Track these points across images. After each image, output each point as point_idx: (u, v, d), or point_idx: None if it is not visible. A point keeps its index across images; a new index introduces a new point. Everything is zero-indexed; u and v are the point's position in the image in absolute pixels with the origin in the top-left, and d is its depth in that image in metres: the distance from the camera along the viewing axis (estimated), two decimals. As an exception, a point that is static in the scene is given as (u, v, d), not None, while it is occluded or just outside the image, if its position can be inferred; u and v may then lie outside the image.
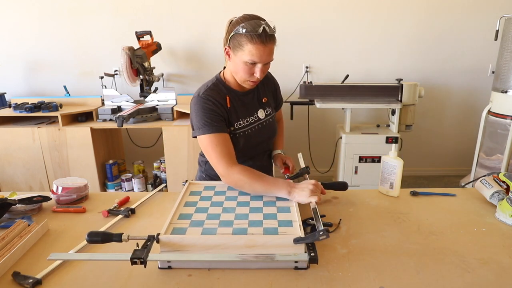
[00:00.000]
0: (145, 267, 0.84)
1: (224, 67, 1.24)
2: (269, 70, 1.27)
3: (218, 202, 1.12)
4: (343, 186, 1.30)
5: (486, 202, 1.25)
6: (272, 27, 1.10)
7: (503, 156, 2.57)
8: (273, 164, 1.46)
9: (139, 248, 0.86)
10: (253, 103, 1.28)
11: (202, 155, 1.36)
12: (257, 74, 1.13)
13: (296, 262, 0.88)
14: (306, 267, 0.88)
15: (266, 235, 0.92)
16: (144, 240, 0.89)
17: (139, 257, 0.83)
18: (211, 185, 1.26)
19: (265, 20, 1.10)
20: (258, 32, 1.06)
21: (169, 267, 0.90)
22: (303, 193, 1.07)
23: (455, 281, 0.84)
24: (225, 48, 1.15)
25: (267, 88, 1.33)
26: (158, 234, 0.88)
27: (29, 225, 1.06)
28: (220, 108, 1.17)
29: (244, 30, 1.07)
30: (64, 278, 0.87)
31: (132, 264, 0.83)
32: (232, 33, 1.10)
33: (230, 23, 1.13)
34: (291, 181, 1.15)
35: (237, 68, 1.13)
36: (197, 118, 1.16)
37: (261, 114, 1.29)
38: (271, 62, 1.18)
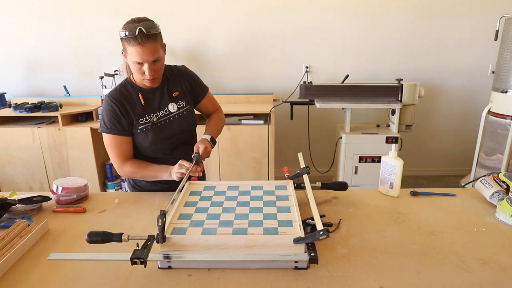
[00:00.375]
0: (145, 267, 0.85)
1: None
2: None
3: (218, 202, 1.12)
4: (343, 186, 1.31)
5: (486, 202, 1.25)
6: (149, 27, 1.14)
7: (503, 156, 2.57)
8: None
9: (139, 248, 0.86)
10: (163, 98, 1.34)
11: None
12: (146, 73, 1.20)
13: (296, 262, 0.88)
14: (306, 267, 0.88)
15: (266, 235, 0.92)
16: (144, 240, 0.89)
17: (139, 257, 0.83)
18: (211, 185, 1.26)
19: (145, 21, 1.16)
20: (134, 34, 1.12)
21: (169, 267, 0.90)
22: (173, 170, 1.23)
23: (455, 281, 0.84)
24: (122, 52, 1.22)
25: (179, 82, 1.38)
26: (158, 234, 0.88)
27: (29, 225, 1.06)
28: (122, 109, 1.27)
29: (123, 34, 1.14)
30: (64, 278, 0.87)
31: (132, 264, 0.83)
32: (120, 37, 1.17)
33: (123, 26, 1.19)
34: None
35: (132, 69, 1.22)
36: (102, 117, 1.30)
37: (172, 107, 1.35)
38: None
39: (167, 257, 0.88)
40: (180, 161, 1.25)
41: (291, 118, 3.00)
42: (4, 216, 1.16)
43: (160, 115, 1.33)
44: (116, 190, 2.88)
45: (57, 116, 2.65)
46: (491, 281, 0.84)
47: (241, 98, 3.06)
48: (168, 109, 1.34)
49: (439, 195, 1.33)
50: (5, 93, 2.98)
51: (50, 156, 2.72)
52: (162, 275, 0.88)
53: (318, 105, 2.80)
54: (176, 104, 1.36)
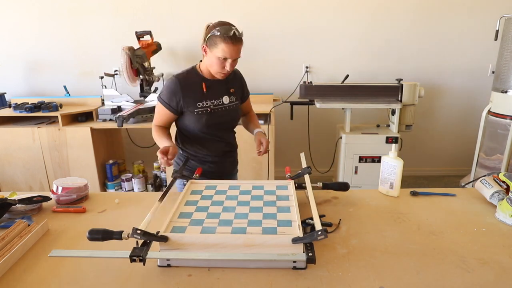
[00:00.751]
0: (144, 264, 0.85)
1: (201, 61, 1.52)
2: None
3: (218, 201, 1.12)
4: (344, 187, 1.31)
5: (486, 202, 1.25)
6: (240, 32, 1.39)
7: (503, 156, 2.57)
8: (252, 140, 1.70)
9: (139, 246, 0.86)
10: (221, 90, 1.55)
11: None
12: (227, 67, 1.42)
13: (294, 262, 0.88)
14: (304, 267, 0.88)
15: (265, 235, 0.92)
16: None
17: (138, 255, 0.83)
18: (212, 184, 1.27)
19: (235, 26, 1.39)
20: (229, 34, 1.34)
21: (168, 265, 0.90)
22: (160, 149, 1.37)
23: (455, 281, 0.84)
24: (203, 46, 1.42)
25: (235, 82, 1.61)
26: (158, 232, 0.88)
27: (29, 225, 1.06)
28: (181, 90, 1.47)
29: (218, 33, 1.34)
30: (64, 278, 0.87)
31: (131, 262, 0.84)
32: (209, 34, 1.37)
33: (208, 27, 1.39)
34: None
35: (212, 62, 1.42)
36: (163, 89, 1.50)
37: (225, 99, 1.55)
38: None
39: (166, 255, 0.88)
40: (163, 152, 1.36)
41: (291, 118, 3.00)
42: (4, 216, 1.16)
43: (216, 103, 1.52)
44: (116, 190, 2.88)
45: (57, 116, 2.65)
46: (491, 281, 0.84)
47: (241, 98, 3.06)
48: (222, 100, 1.54)
49: (439, 195, 1.34)
50: (5, 93, 2.97)
51: (50, 156, 2.72)
52: (162, 275, 0.88)
53: (318, 105, 2.80)
54: (229, 98, 1.57)
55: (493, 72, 3.15)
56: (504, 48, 2.49)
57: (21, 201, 1.19)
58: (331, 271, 0.88)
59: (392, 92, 2.88)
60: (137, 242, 0.87)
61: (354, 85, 2.92)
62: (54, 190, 1.30)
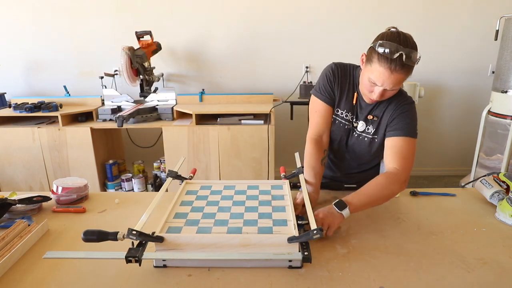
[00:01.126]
0: (140, 265, 0.85)
1: None
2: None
3: (214, 202, 1.12)
4: (338, 186, 1.31)
5: (486, 202, 1.25)
6: (409, 57, 1.01)
7: (503, 156, 2.57)
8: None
9: (135, 246, 0.86)
10: (362, 112, 1.23)
11: None
12: (375, 95, 1.10)
13: (290, 261, 0.88)
14: (300, 266, 0.88)
15: (260, 234, 0.92)
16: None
17: (133, 256, 0.83)
18: (207, 184, 1.27)
19: (409, 48, 1.01)
20: (391, 56, 1.00)
21: (165, 266, 0.90)
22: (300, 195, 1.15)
23: (455, 281, 0.84)
24: (363, 54, 1.14)
25: (386, 109, 1.20)
26: (153, 233, 0.88)
27: (29, 225, 1.06)
28: (334, 81, 1.23)
29: (380, 49, 1.02)
30: (64, 279, 0.87)
31: (127, 263, 0.83)
32: (372, 44, 1.07)
33: (382, 33, 1.08)
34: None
35: (362, 79, 1.13)
36: (319, 78, 1.27)
37: (361, 126, 1.24)
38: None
39: (162, 255, 0.88)
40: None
41: (291, 118, 2.99)
42: (4, 216, 1.16)
43: (349, 121, 1.25)
44: (116, 190, 2.88)
45: (57, 116, 2.65)
46: (491, 281, 0.84)
47: (241, 98, 3.06)
48: (357, 123, 1.24)
49: (439, 195, 1.33)
50: (5, 93, 2.97)
51: (50, 156, 2.71)
52: (162, 275, 0.88)
53: (318, 105, 2.79)
54: (366, 126, 1.23)
55: (493, 72, 3.15)
56: (504, 48, 2.49)
57: (21, 201, 1.19)
58: (331, 271, 0.88)
59: (392, 92, 2.88)
60: (132, 242, 0.87)
61: (354, 85, 2.92)
62: (54, 190, 1.30)
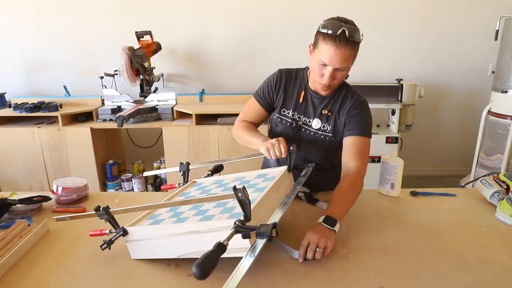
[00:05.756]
0: (109, 249, 0.92)
1: None
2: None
3: (188, 196, 1.13)
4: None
5: (486, 202, 1.25)
6: (353, 32, 1.04)
7: (503, 156, 2.57)
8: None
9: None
10: (316, 109, 1.25)
11: None
12: (325, 78, 1.11)
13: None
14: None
15: (204, 221, 0.87)
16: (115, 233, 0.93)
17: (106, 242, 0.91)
18: (204, 185, 1.25)
19: (351, 25, 1.07)
20: (335, 33, 1.03)
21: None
22: (262, 146, 1.15)
23: (455, 281, 0.84)
24: (310, 45, 1.16)
25: (340, 106, 1.23)
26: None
27: (29, 225, 1.06)
28: (278, 87, 1.30)
29: (323, 30, 1.06)
30: (64, 278, 0.87)
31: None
32: (317, 30, 1.10)
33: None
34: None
35: (312, 65, 1.15)
36: (261, 84, 1.36)
37: (316, 123, 1.25)
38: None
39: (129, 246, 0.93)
40: (279, 138, 1.13)
41: (291, 118, 2.99)
42: (4, 216, 1.16)
43: (302, 122, 1.27)
44: (116, 190, 2.88)
45: (57, 116, 2.65)
46: (491, 281, 0.84)
47: (241, 98, 3.06)
48: (311, 121, 1.26)
49: (439, 195, 1.34)
50: (5, 93, 2.97)
51: (50, 156, 2.71)
52: (162, 275, 0.88)
53: (318, 105, 2.79)
54: (321, 123, 1.25)
55: (493, 72, 3.14)
56: (504, 48, 2.49)
57: (21, 201, 1.19)
58: (331, 271, 0.88)
59: (392, 92, 2.88)
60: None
61: (354, 85, 2.92)
62: (54, 190, 1.30)
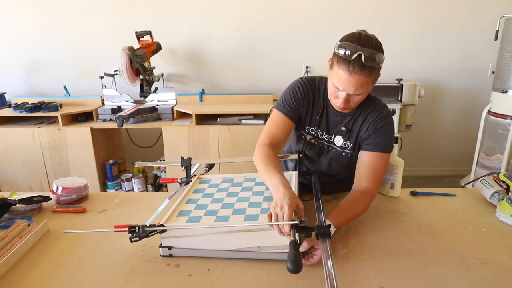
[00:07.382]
0: (139, 239, 0.91)
1: None
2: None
3: (210, 194, 1.14)
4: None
5: (486, 202, 1.25)
6: (370, 57, 0.95)
7: (503, 156, 2.57)
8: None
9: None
10: (337, 126, 1.18)
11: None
12: (339, 102, 1.05)
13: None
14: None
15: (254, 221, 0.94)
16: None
17: (138, 234, 0.90)
18: (207, 179, 1.29)
19: (370, 48, 0.96)
20: (349, 58, 0.94)
21: (170, 255, 0.94)
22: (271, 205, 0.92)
23: (455, 281, 0.84)
24: (329, 59, 1.06)
25: (364, 122, 1.14)
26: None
27: (29, 225, 1.06)
28: (304, 98, 1.17)
29: (339, 51, 0.97)
30: (65, 278, 0.87)
31: (129, 233, 0.90)
32: (334, 47, 1.00)
33: (345, 35, 1.02)
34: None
35: (329, 85, 1.08)
36: (283, 93, 1.20)
37: (338, 141, 1.18)
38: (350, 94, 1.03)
39: (168, 242, 0.94)
40: (284, 204, 0.88)
41: (291, 118, 2.99)
42: (4, 216, 1.16)
43: (325, 139, 1.20)
44: (116, 190, 2.88)
45: (57, 116, 2.65)
46: (491, 281, 0.84)
47: (241, 98, 3.06)
48: (333, 138, 1.19)
49: (439, 195, 1.33)
50: (5, 93, 2.97)
51: (50, 156, 2.71)
52: (162, 275, 0.88)
53: (318, 105, 2.79)
54: (343, 141, 1.18)
55: (493, 72, 3.15)
56: (504, 48, 2.49)
57: (21, 201, 1.19)
58: (331, 271, 0.88)
59: (392, 92, 2.88)
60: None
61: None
62: (54, 190, 1.30)
